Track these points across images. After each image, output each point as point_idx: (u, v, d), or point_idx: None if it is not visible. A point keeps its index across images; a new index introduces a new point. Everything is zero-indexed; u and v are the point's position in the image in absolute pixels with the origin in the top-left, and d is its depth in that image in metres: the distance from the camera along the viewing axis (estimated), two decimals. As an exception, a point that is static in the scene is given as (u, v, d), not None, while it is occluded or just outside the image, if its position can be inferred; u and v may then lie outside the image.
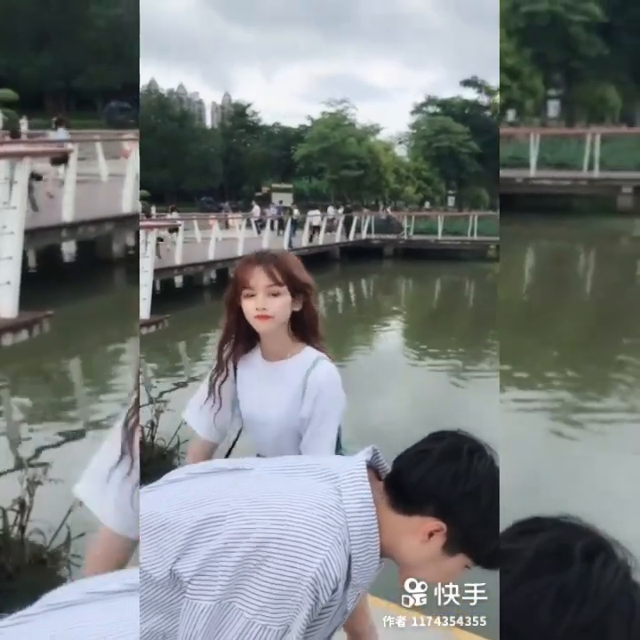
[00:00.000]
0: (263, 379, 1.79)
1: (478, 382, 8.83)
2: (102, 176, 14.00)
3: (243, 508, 1.13)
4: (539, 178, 19.64)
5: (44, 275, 11.05)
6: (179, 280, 15.50)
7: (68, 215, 9.92)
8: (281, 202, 30.32)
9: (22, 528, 3.25)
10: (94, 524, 3.38)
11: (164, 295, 12.95)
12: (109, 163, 14.16)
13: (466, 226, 24.85)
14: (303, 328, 1.78)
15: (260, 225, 21.92)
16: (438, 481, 1.13)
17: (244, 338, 1.79)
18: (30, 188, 7.75)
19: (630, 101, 32.24)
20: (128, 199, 11.42)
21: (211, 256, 15.44)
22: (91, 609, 0.91)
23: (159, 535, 1.15)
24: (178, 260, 13.88)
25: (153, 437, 5.46)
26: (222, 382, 1.81)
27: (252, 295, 1.68)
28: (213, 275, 16.37)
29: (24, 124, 14.93)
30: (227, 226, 20.25)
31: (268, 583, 1.05)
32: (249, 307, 1.68)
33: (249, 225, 20.07)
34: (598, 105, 29.82)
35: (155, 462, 5.39)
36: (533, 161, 19.90)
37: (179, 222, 13.39)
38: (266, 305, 1.67)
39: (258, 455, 1.89)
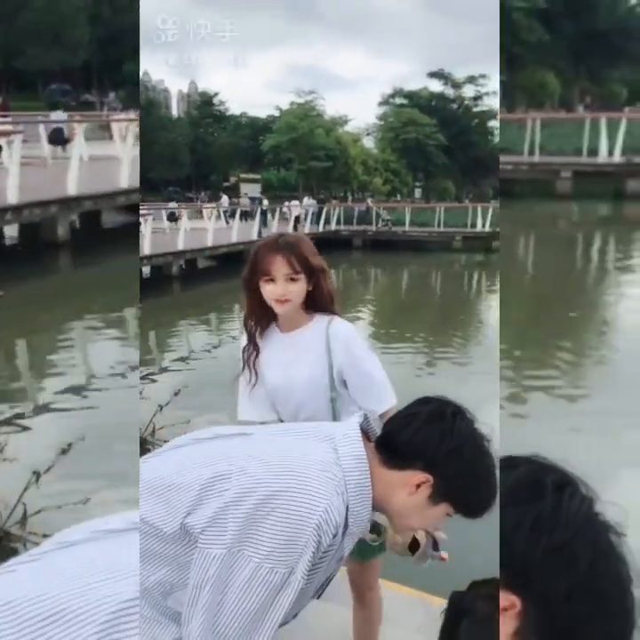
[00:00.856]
0: (283, 349, 1.90)
1: (445, 368, 9.07)
2: (48, 159, 13.86)
3: (248, 466, 1.24)
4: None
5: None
6: (146, 270, 15.37)
7: (12, 197, 9.79)
8: (261, 193, 30.22)
9: (-22, 506, 3.26)
10: (49, 502, 3.40)
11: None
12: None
13: (432, 217, 25.20)
14: (314, 305, 1.89)
15: (228, 215, 21.84)
16: (426, 439, 1.28)
17: (264, 315, 1.89)
18: None
19: (568, 87, 32.84)
20: (73, 181, 11.34)
21: (180, 246, 15.37)
22: (95, 546, 1.04)
23: (167, 494, 1.26)
24: (146, 250, 13.79)
25: (128, 424, 5.47)
26: (255, 357, 1.92)
27: (271, 280, 1.78)
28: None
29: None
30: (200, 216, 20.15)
31: (276, 530, 1.16)
32: (268, 290, 1.79)
33: (218, 215, 19.96)
34: (538, 90, 30.17)
35: (130, 449, 5.42)
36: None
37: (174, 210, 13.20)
38: (285, 290, 1.78)
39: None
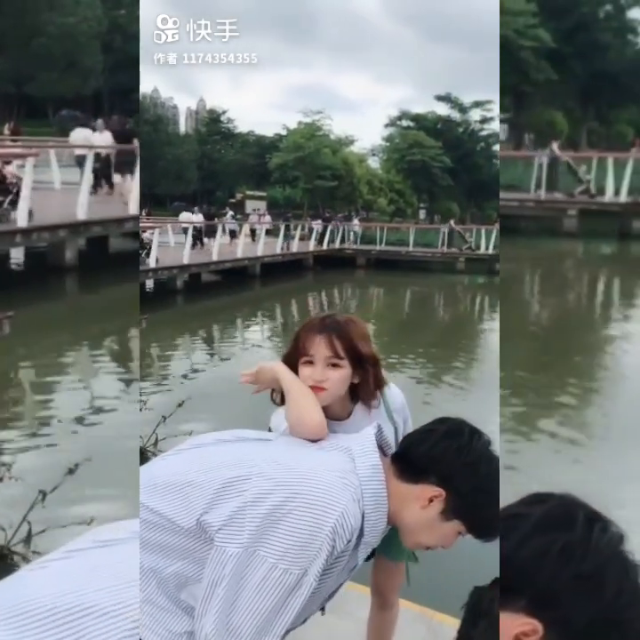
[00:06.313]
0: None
1: (445, 390, 9.03)
2: (55, 183, 13.92)
3: (268, 469, 1.27)
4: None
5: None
6: (149, 284, 15.44)
7: (22, 221, 9.85)
8: (266, 210, 30.34)
9: (-16, 523, 3.23)
10: (55, 521, 3.38)
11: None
12: (67, 171, 14.16)
13: (436, 238, 25.34)
14: (359, 397, 1.68)
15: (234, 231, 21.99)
16: (442, 452, 1.30)
17: None
18: None
19: (576, 126, 33.10)
20: (83, 206, 11.36)
21: (185, 260, 15.48)
22: (126, 548, 1.09)
23: (186, 491, 1.29)
24: (152, 263, 13.89)
25: (132, 435, 5.50)
26: None
27: (311, 362, 1.56)
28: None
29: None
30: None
31: (292, 531, 1.18)
32: (306, 374, 1.55)
33: (224, 231, 20.12)
34: (545, 129, 30.46)
35: (133, 459, 5.44)
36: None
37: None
38: (324, 376, 1.55)
39: None
